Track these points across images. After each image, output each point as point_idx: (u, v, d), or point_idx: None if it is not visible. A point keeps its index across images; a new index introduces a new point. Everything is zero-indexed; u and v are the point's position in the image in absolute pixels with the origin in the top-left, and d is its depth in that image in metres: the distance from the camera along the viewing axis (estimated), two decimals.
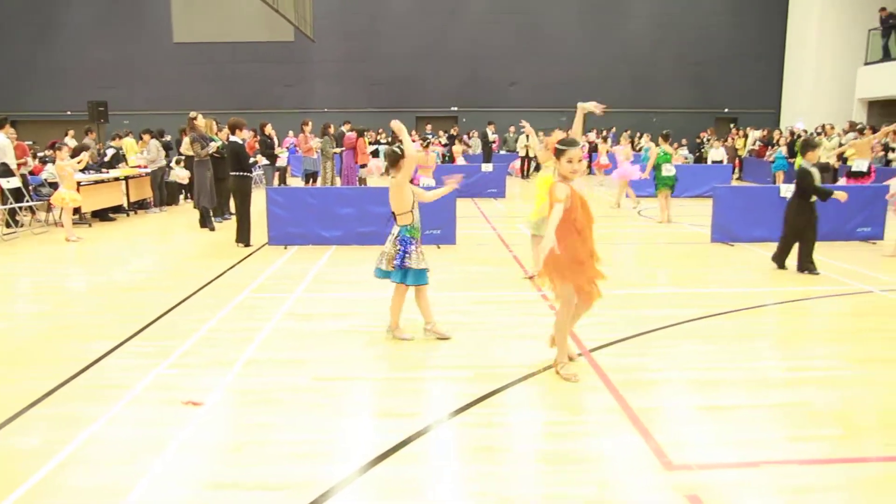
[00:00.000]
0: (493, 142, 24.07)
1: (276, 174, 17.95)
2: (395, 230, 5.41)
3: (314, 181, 15.56)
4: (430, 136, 20.29)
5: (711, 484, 3.32)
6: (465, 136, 24.56)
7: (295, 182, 18.84)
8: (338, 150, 15.85)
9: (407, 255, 5.30)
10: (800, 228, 7.94)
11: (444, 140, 23.99)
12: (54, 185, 12.20)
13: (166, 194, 15.12)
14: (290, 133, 24.66)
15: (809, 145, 8.00)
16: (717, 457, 3.61)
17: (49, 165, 13.60)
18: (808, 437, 3.81)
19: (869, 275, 7.94)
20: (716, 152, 20.45)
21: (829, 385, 4.59)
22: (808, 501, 3.18)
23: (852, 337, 5.71)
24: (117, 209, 13.68)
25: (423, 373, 4.87)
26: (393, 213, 5.44)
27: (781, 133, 20.72)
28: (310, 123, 15.56)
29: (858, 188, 11.18)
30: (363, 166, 16.09)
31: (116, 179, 13.49)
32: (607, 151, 19.84)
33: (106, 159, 14.23)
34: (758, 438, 3.80)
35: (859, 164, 13.46)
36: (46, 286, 7.78)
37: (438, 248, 9.75)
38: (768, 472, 3.44)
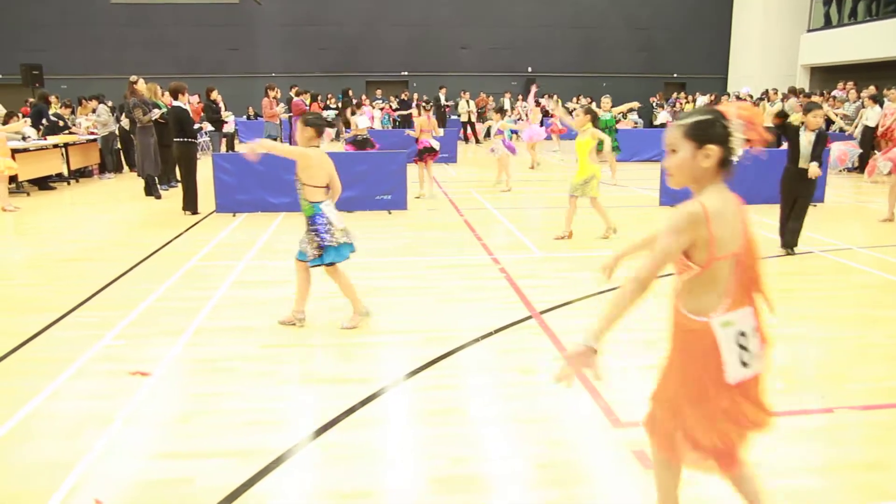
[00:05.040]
0: (446, 107, 23.85)
1: (223, 140, 17.58)
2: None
3: None
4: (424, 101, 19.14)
5: None
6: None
7: (244, 148, 18.45)
8: (286, 115, 15.56)
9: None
10: None
11: (394, 105, 23.69)
12: None
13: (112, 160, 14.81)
14: None
15: None
16: None
17: None
18: None
19: (810, 236, 8.18)
20: (662, 115, 21.02)
21: (770, 342, 4.73)
22: (752, 453, 3.29)
23: (792, 296, 5.90)
24: (58, 177, 13.23)
25: (374, 338, 4.86)
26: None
27: (729, 98, 21.05)
28: (275, 88, 15.20)
29: None
30: None
31: (55, 146, 12.99)
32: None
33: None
34: None
35: None
36: None
37: (390, 213, 9.70)
38: None
